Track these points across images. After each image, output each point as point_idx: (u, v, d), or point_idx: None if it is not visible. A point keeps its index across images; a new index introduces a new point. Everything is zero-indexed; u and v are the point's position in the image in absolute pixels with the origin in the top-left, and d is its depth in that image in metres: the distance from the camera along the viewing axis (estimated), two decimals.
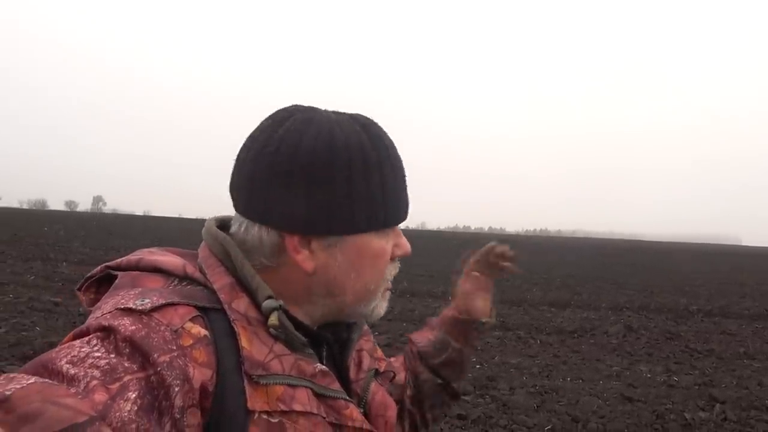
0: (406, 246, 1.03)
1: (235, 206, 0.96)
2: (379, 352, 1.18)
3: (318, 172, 0.89)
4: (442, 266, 24.91)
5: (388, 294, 1.03)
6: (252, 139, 0.94)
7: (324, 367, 0.93)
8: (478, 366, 7.97)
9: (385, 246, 0.98)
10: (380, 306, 1.02)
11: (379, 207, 0.93)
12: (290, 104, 0.98)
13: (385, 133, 0.97)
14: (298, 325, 0.92)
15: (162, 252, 0.98)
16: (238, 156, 0.95)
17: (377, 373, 1.11)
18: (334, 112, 0.96)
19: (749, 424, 6.04)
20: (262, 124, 0.95)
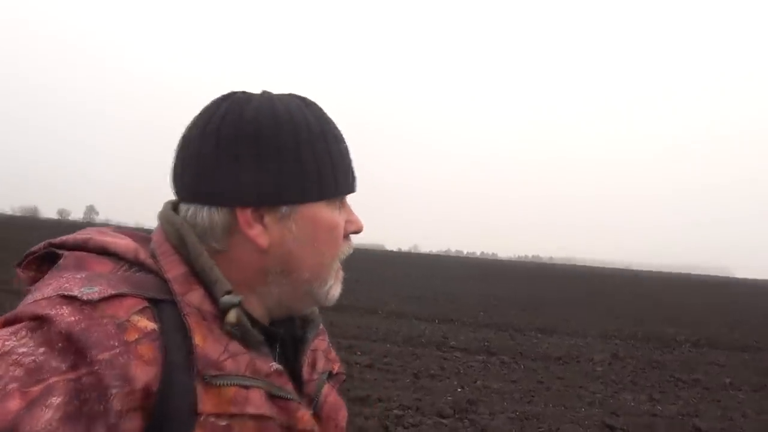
0: (358, 222, 0.99)
1: (179, 194, 0.91)
2: (333, 354, 1.11)
3: (264, 141, 0.86)
4: (430, 289, 24.86)
5: (341, 275, 0.99)
6: (193, 124, 0.90)
7: (279, 366, 0.88)
8: (459, 389, 7.85)
9: (338, 218, 0.94)
10: (335, 287, 0.97)
11: (329, 175, 0.90)
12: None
13: (323, 109, 0.95)
14: (254, 321, 0.88)
15: (114, 233, 0.91)
16: (180, 142, 0.91)
17: (330, 375, 1.05)
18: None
19: None
20: (201, 109, 0.92)
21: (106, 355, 0.69)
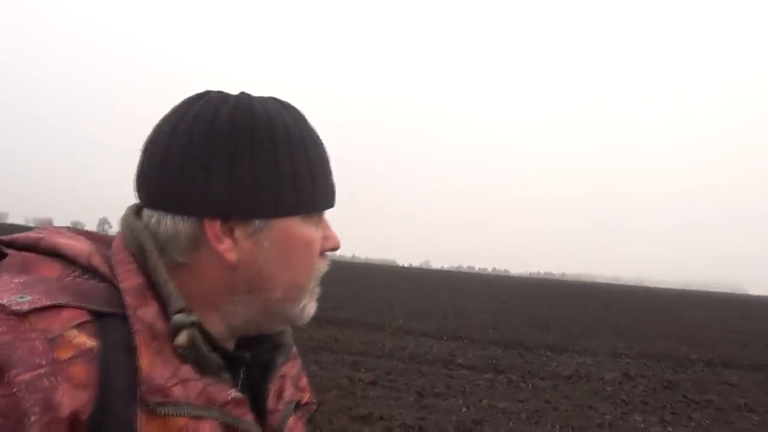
0: (336, 238, 0.90)
1: (144, 199, 0.82)
2: (304, 381, 1.00)
3: (239, 147, 0.78)
4: (439, 305, 24.65)
5: (317, 293, 0.89)
6: (163, 121, 0.82)
7: (239, 394, 0.78)
8: (464, 409, 7.68)
9: (315, 234, 0.85)
10: (310, 306, 0.88)
11: (308, 188, 0.82)
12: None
13: (305, 115, 0.87)
14: (214, 343, 0.78)
15: (70, 234, 0.82)
16: (147, 142, 0.82)
17: (299, 405, 0.96)
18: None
19: None
20: (172, 107, 0.83)
21: (27, 376, 0.61)
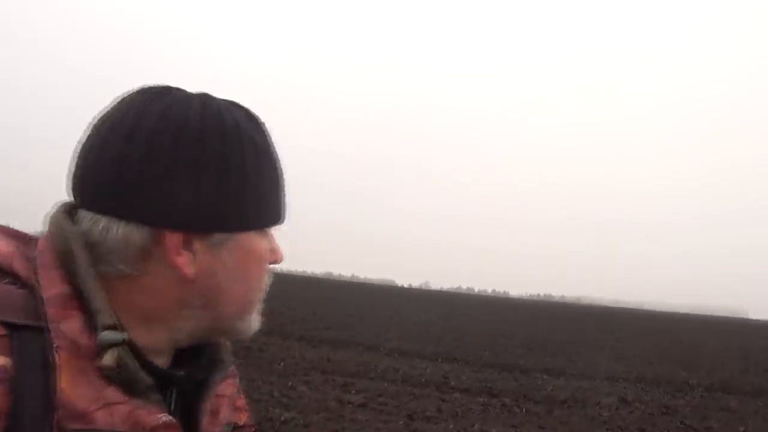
0: (280, 252, 0.85)
1: (87, 201, 0.73)
2: (242, 401, 0.94)
3: (208, 155, 0.72)
4: (436, 327, 24.43)
5: (260, 307, 0.84)
6: (113, 116, 0.73)
7: (170, 418, 0.72)
8: None
9: (267, 247, 0.82)
10: (256, 320, 0.84)
11: (272, 201, 0.79)
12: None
13: (265, 124, 0.82)
14: (145, 360, 0.72)
15: None
16: (92, 139, 0.74)
17: (236, 427, 0.90)
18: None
19: None
20: (127, 99, 0.75)
21: None
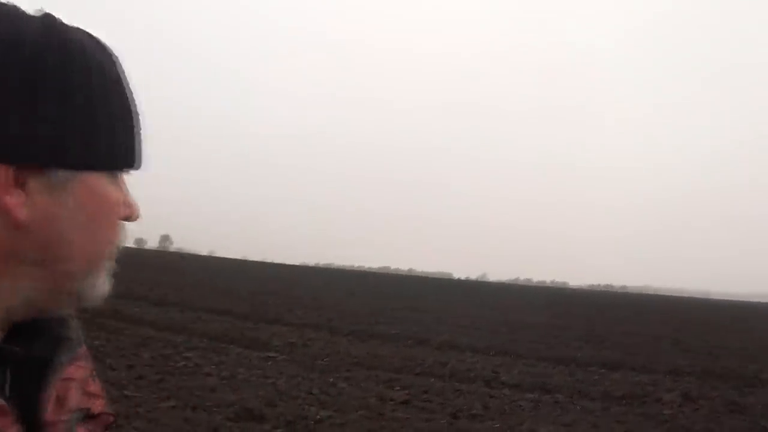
0: (135, 206, 0.73)
1: None
2: (96, 387, 0.79)
3: (48, 78, 0.62)
4: (491, 319, 23.94)
5: (111, 269, 0.73)
6: None
7: (1, 401, 0.61)
8: None
9: (119, 198, 0.71)
10: (104, 284, 0.72)
11: (125, 140, 0.69)
12: None
13: (119, 57, 0.71)
14: None
15: None
16: None
17: (89, 416, 0.76)
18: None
19: None
20: None
21: None
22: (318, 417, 7.03)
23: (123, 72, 0.71)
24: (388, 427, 6.88)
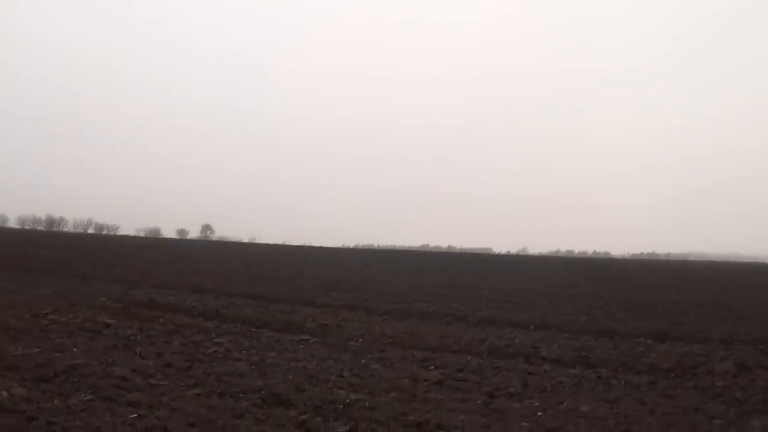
0: None
1: None
2: None
3: None
4: (531, 292, 23.26)
5: None
6: None
7: None
8: (539, 413, 6.62)
9: None
10: None
11: None
12: None
13: None
14: None
15: None
16: None
17: None
18: None
19: None
20: None
21: None
22: (347, 400, 6.71)
23: None
24: (419, 409, 6.52)
